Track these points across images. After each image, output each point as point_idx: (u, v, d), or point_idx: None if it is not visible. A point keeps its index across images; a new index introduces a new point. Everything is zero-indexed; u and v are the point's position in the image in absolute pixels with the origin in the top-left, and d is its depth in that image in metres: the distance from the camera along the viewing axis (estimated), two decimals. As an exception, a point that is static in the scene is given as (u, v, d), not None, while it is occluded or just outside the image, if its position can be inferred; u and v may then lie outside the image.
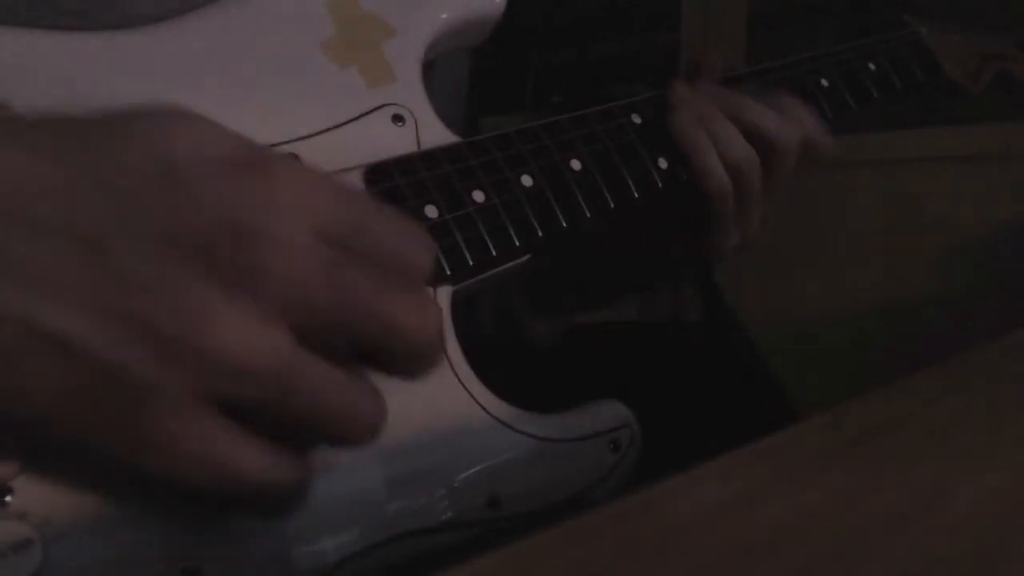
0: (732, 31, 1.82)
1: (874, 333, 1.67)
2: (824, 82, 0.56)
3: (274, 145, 0.38)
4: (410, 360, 0.27)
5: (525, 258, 0.43)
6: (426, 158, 0.41)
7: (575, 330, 0.69)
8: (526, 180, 0.43)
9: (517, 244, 0.42)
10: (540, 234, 0.43)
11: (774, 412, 0.70)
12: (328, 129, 0.40)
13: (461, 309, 0.41)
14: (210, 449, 0.24)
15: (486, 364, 0.41)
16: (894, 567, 0.16)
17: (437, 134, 0.43)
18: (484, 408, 0.39)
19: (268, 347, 0.24)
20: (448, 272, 0.39)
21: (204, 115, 0.27)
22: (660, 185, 0.47)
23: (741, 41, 1.81)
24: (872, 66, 0.59)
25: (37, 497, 0.29)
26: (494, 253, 0.41)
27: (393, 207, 0.38)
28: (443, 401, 0.38)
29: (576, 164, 0.45)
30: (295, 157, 0.37)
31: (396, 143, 0.41)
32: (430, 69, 0.47)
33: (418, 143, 0.42)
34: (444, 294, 0.40)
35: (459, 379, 0.39)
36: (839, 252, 1.73)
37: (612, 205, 0.45)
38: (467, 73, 0.57)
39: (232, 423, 0.24)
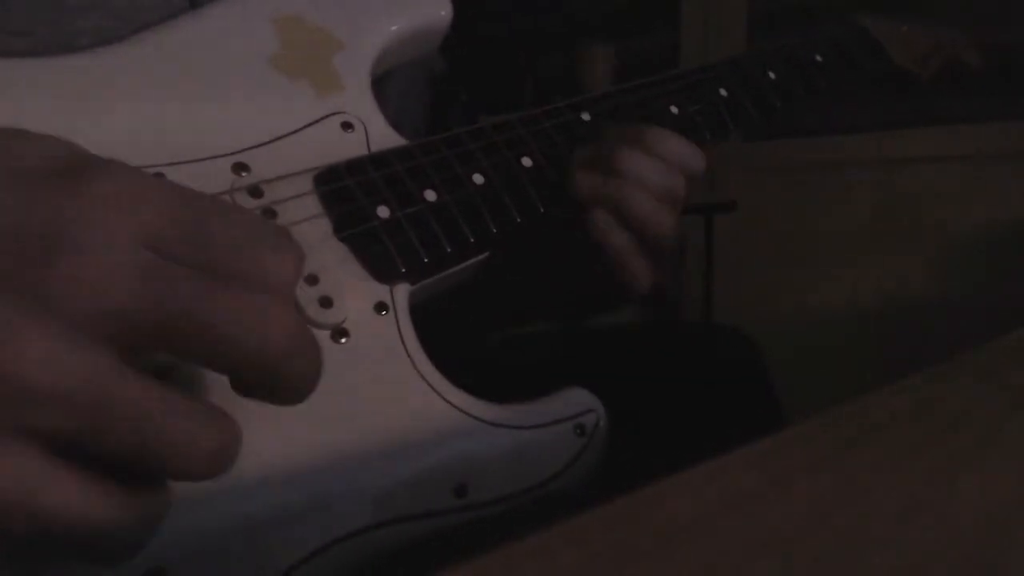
0: (732, 31, 1.82)
1: (873, 333, 1.67)
2: (772, 75, 0.58)
3: (225, 155, 0.39)
4: (264, 376, 0.24)
5: (482, 256, 0.44)
6: (376, 160, 0.42)
7: (574, 332, 0.69)
8: (477, 178, 0.44)
9: (472, 240, 0.42)
10: (494, 230, 0.43)
11: (769, 412, 0.70)
12: (279, 137, 0.41)
13: (425, 310, 0.41)
14: (15, 486, 0.21)
15: (476, 374, 0.41)
16: (893, 568, 0.16)
17: (388, 139, 0.44)
18: (444, 397, 0.39)
19: (76, 370, 0.21)
20: (403, 270, 0.40)
21: (28, 127, 0.25)
22: None
23: (741, 41, 1.81)
24: (819, 57, 0.61)
25: None
26: (448, 250, 0.42)
27: (344, 207, 0.39)
28: (402, 392, 0.38)
29: (527, 161, 0.46)
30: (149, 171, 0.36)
31: (347, 149, 0.42)
32: (387, 79, 0.49)
33: (368, 148, 0.43)
34: (401, 293, 0.40)
35: (417, 369, 0.39)
36: (838, 252, 1.73)
37: (566, 200, 0.46)
38: (426, 78, 0.58)
39: (45, 455, 0.22)
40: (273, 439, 0.34)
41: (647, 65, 1.87)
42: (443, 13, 0.49)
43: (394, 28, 0.47)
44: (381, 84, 0.47)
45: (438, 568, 0.15)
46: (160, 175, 0.36)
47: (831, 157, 1.68)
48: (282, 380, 0.25)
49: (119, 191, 0.24)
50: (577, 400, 0.43)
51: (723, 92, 0.54)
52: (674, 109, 0.52)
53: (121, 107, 0.38)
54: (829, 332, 1.75)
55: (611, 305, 0.49)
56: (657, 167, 0.45)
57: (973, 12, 1.54)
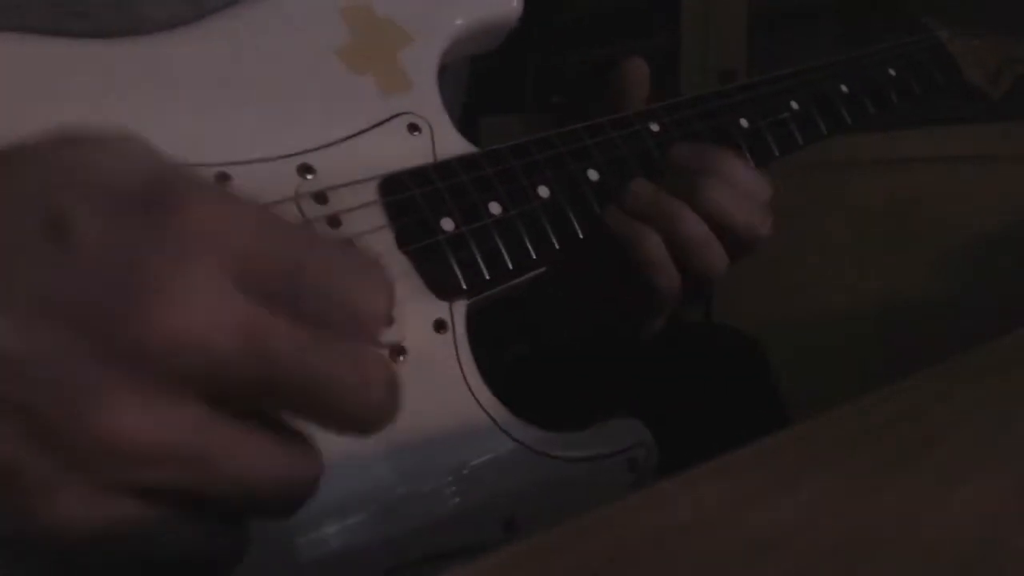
0: (732, 31, 1.82)
1: (873, 333, 1.67)
2: (844, 88, 0.55)
3: (290, 156, 0.37)
4: (354, 423, 0.24)
5: (540, 270, 0.42)
6: (442, 168, 0.40)
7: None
8: (543, 191, 0.42)
9: (534, 257, 0.41)
10: (557, 247, 0.42)
11: (774, 415, 0.70)
12: (344, 139, 0.39)
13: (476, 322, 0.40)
14: (121, 537, 0.21)
15: (505, 389, 0.40)
16: (894, 567, 0.16)
17: (453, 143, 0.42)
18: (500, 427, 0.38)
19: (171, 429, 0.21)
20: (464, 287, 0.39)
21: (120, 140, 0.23)
22: None
23: (741, 41, 1.81)
24: (892, 71, 0.59)
25: None
26: (511, 267, 0.40)
27: (407, 218, 0.38)
28: (457, 417, 0.37)
29: (593, 174, 0.44)
30: (224, 179, 0.35)
31: (412, 153, 0.41)
32: (440, 74, 0.46)
33: (434, 152, 0.41)
34: (460, 310, 0.39)
35: (473, 394, 0.38)
36: (839, 252, 1.73)
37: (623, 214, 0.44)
38: (467, 75, 0.56)
39: (140, 502, 0.21)
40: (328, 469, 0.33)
41: (648, 65, 1.87)
42: (514, 4, 0.46)
43: (461, 22, 0.45)
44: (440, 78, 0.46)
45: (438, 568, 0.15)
46: (226, 175, 0.36)
47: (831, 157, 1.68)
48: (372, 427, 0.24)
49: (209, 223, 0.22)
50: (630, 432, 0.42)
51: (794, 105, 0.52)
52: (743, 122, 0.50)
53: (187, 98, 0.36)
54: (829, 332, 1.75)
55: (640, 319, 0.48)
56: (738, 198, 0.44)
57: (974, 12, 1.53)
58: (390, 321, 0.36)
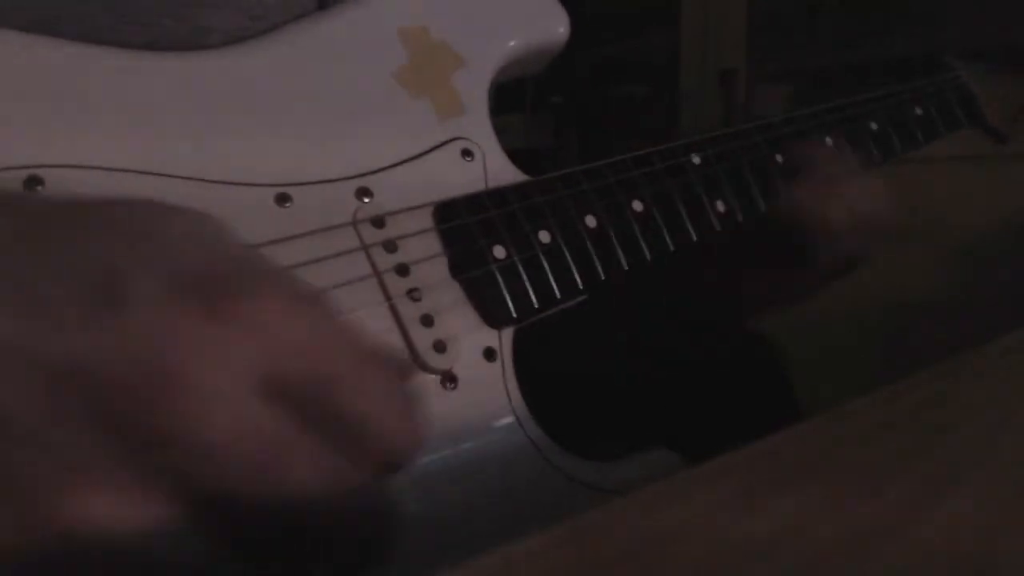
0: (732, 31, 1.82)
1: (874, 333, 1.67)
2: (874, 126, 0.58)
3: (349, 178, 0.38)
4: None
5: (582, 297, 0.43)
6: (494, 196, 0.41)
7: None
8: (590, 220, 0.43)
9: (580, 287, 0.42)
10: (602, 276, 0.43)
11: (784, 412, 0.69)
12: (401, 162, 0.40)
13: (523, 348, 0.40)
14: None
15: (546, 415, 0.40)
16: (894, 568, 0.16)
17: (503, 169, 0.43)
18: (546, 457, 0.38)
19: (139, 526, 0.19)
20: (514, 315, 0.39)
21: (190, 214, 0.23)
22: (718, 228, 0.48)
23: (741, 41, 1.81)
24: (919, 111, 0.61)
25: None
26: (559, 296, 0.41)
27: (461, 246, 0.39)
28: (503, 446, 0.38)
29: (638, 205, 0.45)
30: (283, 200, 0.36)
31: (464, 178, 0.41)
32: None
33: (485, 179, 0.42)
34: (508, 338, 0.39)
35: (520, 424, 0.38)
36: (839, 252, 1.73)
37: (671, 248, 0.45)
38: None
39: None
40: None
41: (648, 65, 1.87)
42: (561, 30, 0.47)
43: (512, 44, 0.45)
44: None
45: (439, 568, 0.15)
46: (286, 196, 0.36)
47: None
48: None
49: (259, 319, 0.21)
50: (663, 462, 0.42)
51: (828, 141, 0.55)
52: (779, 158, 0.52)
53: (248, 115, 0.37)
54: (828, 332, 1.75)
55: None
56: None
57: (973, 11, 1.54)
58: (441, 347, 0.36)
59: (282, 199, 0.36)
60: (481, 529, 0.36)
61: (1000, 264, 1.55)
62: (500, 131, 0.44)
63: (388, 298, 0.36)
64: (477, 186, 0.41)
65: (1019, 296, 1.39)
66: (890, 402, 0.28)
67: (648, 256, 0.45)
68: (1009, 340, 0.38)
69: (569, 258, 0.42)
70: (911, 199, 1.66)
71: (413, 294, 0.37)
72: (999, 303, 1.37)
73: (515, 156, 0.44)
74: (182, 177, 0.34)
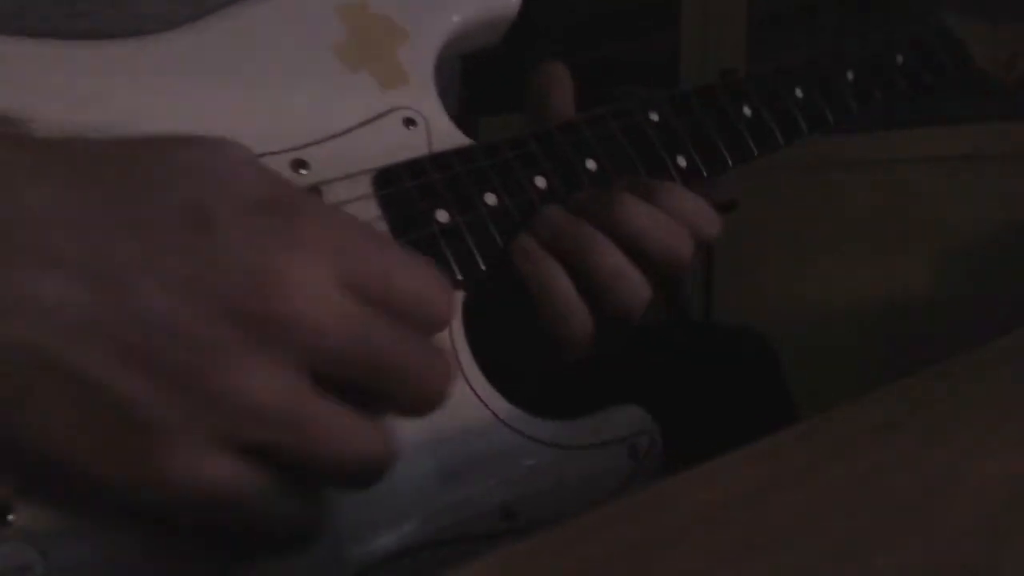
0: (732, 31, 1.82)
1: (874, 333, 1.67)
2: (851, 75, 0.54)
3: (284, 151, 0.38)
4: (418, 408, 0.28)
5: None
6: (436, 160, 0.40)
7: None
8: (540, 182, 0.42)
9: None
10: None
11: (783, 411, 0.69)
12: (339, 133, 0.40)
13: (474, 314, 0.40)
14: (217, 489, 0.24)
15: (505, 379, 0.40)
16: (894, 567, 0.16)
17: (449, 137, 0.42)
18: (496, 415, 0.38)
19: (286, 393, 0.24)
20: (459, 278, 0.39)
21: (239, 148, 0.27)
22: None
23: (741, 41, 1.81)
24: (900, 59, 0.58)
25: (41, 517, 0.28)
26: (508, 257, 0.40)
27: (402, 210, 0.38)
28: (453, 407, 0.37)
29: (591, 164, 0.44)
30: (317, 192, 0.37)
31: (407, 147, 0.41)
32: (438, 70, 0.46)
33: (430, 146, 0.41)
34: (456, 299, 0.39)
35: (471, 386, 0.38)
36: (839, 252, 1.73)
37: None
38: (459, 69, 0.56)
39: (243, 463, 0.24)
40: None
41: (647, 65, 1.87)
42: (511, 1, 0.46)
43: (457, 19, 0.45)
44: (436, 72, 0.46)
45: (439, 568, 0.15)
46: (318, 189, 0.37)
47: (831, 157, 1.68)
48: (433, 410, 0.28)
49: (326, 232, 0.26)
50: (630, 420, 0.41)
51: (799, 93, 0.52)
52: (746, 111, 0.49)
53: (184, 97, 0.37)
54: (828, 332, 1.75)
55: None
56: (661, 221, 0.40)
57: (973, 11, 1.53)
58: (448, 322, 0.36)
59: None
60: (427, 487, 0.36)
61: (1000, 264, 1.55)
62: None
63: None
64: (421, 153, 0.41)
65: (1019, 296, 1.39)
66: (890, 402, 0.28)
67: None
68: (1009, 340, 0.38)
69: (518, 220, 0.41)
70: (910, 199, 1.66)
71: None
72: (999, 303, 1.37)
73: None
74: None
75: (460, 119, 0.54)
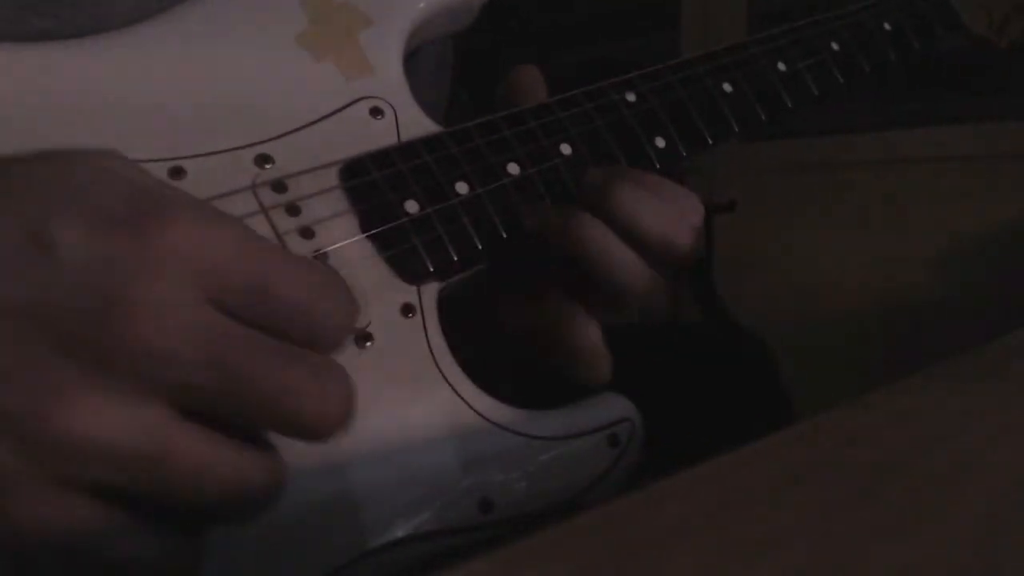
0: (732, 31, 1.82)
1: (874, 333, 1.67)
2: (835, 46, 0.52)
3: (248, 146, 0.37)
4: (304, 434, 0.25)
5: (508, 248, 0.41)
6: (404, 150, 0.40)
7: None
8: (512, 168, 0.41)
9: (504, 237, 0.40)
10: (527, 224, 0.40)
11: (780, 412, 0.69)
12: (304, 126, 0.39)
13: (452, 306, 0.39)
14: (76, 539, 0.22)
15: (485, 372, 0.39)
16: (894, 567, 0.16)
17: (419, 126, 0.41)
18: (471, 406, 0.37)
19: (129, 429, 0.22)
20: (431, 269, 0.38)
21: (104, 158, 0.25)
22: (657, 166, 0.44)
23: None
24: (887, 26, 0.55)
25: None
26: (479, 247, 0.39)
27: (370, 202, 0.38)
28: (428, 399, 0.37)
29: (566, 148, 0.42)
30: (178, 173, 0.36)
31: (375, 137, 0.40)
32: (413, 56, 0.45)
33: (398, 136, 0.41)
34: (429, 294, 0.38)
35: (444, 376, 0.37)
36: (838, 252, 1.73)
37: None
38: (451, 55, 0.55)
39: (98, 505, 0.23)
40: (295, 451, 0.33)
41: (647, 65, 1.87)
42: None
43: (423, 4, 0.44)
44: (412, 60, 0.45)
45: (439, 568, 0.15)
46: (180, 169, 0.35)
47: (831, 157, 1.68)
48: (325, 436, 0.26)
49: (184, 241, 0.24)
50: (612, 407, 0.40)
51: (782, 67, 0.49)
52: (727, 87, 0.47)
53: (142, 92, 0.36)
54: (828, 332, 1.75)
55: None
56: (640, 195, 0.39)
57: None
58: (354, 332, 0.35)
59: (175, 172, 0.35)
60: (403, 480, 0.35)
61: (1000, 264, 1.55)
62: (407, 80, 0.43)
63: None
64: (389, 143, 0.40)
65: (1019, 296, 1.39)
66: (889, 402, 0.28)
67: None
68: (1009, 340, 0.38)
69: (490, 208, 0.40)
70: (911, 199, 1.66)
71: (318, 254, 0.36)
72: (999, 303, 1.37)
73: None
74: None
75: (448, 106, 0.53)
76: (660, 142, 0.45)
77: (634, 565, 0.16)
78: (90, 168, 0.24)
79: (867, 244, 1.71)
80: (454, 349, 0.38)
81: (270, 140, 0.38)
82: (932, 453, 0.23)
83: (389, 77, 0.42)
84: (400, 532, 0.34)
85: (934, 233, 1.65)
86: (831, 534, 0.17)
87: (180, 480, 0.23)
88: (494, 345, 0.44)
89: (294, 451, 0.32)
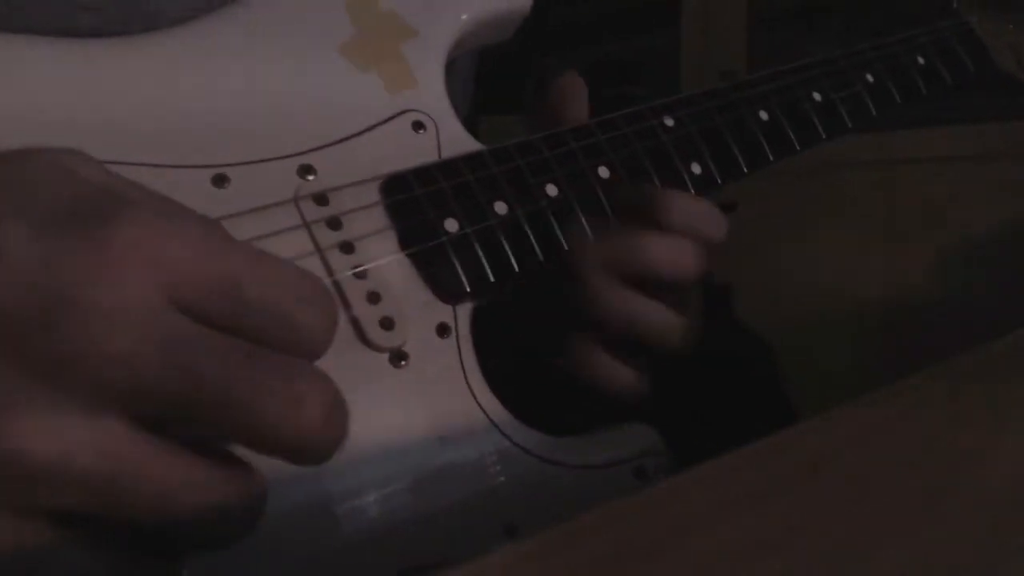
0: (732, 31, 1.82)
1: (874, 333, 1.67)
2: (870, 78, 0.53)
3: (290, 156, 0.37)
4: (286, 447, 0.22)
5: (545, 271, 0.41)
6: (446, 167, 0.39)
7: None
8: (551, 189, 0.41)
9: (541, 259, 0.40)
10: (566, 247, 0.41)
11: (779, 413, 0.69)
12: (347, 137, 0.39)
13: (483, 324, 0.39)
14: (30, 566, 0.20)
15: (513, 389, 0.39)
16: (894, 567, 0.16)
17: (459, 141, 0.41)
18: (501, 431, 0.37)
19: (81, 448, 0.20)
20: (468, 289, 0.38)
21: (62, 155, 0.23)
22: (692, 192, 0.45)
23: (741, 41, 1.81)
24: (921, 59, 0.56)
25: None
26: (516, 269, 0.39)
27: (410, 220, 0.37)
28: (459, 422, 0.37)
29: (604, 172, 0.42)
30: (222, 181, 0.35)
31: (416, 151, 0.40)
32: (452, 67, 0.45)
33: (439, 151, 0.40)
34: (464, 314, 0.38)
35: (476, 399, 0.37)
36: (838, 252, 1.73)
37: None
38: (474, 68, 0.55)
39: (54, 530, 0.21)
40: (321, 472, 0.33)
41: (647, 65, 1.87)
42: None
43: (467, 16, 0.43)
44: (448, 71, 0.45)
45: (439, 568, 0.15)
46: (224, 177, 0.35)
47: (831, 157, 1.68)
48: (307, 453, 0.23)
49: (143, 240, 0.21)
50: (639, 439, 0.40)
51: (817, 96, 0.50)
52: (763, 115, 0.48)
53: (186, 99, 0.36)
54: (829, 332, 1.75)
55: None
56: (672, 246, 0.40)
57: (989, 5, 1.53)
58: (389, 324, 0.35)
59: (219, 180, 0.35)
60: (430, 504, 0.35)
61: (1000, 264, 1.55)
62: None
63: (331, 275, 0.35)
64: (430, 158, 0.40)
65: (1019, 296, 1.39)
66: (890, 402, 0.28)
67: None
68: (1009, 340, 0.38)
69: (528, 229, 0.40)
70: (911, 199, 1.66)
71: (358, 271, 0.36)
72: (999, 303, 1.37)
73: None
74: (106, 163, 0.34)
75: (467, 119, 0.53)
76: (696, 168, 0.45)
77: (634, 565, 0.16)
78: (45, 166, 0.23)
79: (867, 244, 1.71)
80: (484, 369, 0.38)
81: (312, 150, 0.37)
82: (932, 453, 0.23)
83: (431, 91, 0.42)
84: (422, 559, 0.34)
85: (934, 233, 1.65)
86: (830, 535, 0.17)
87: (143, 501, 0.21)
88: (522, 359, 0.44)
89: (318, 472, 0.32)
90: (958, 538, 0.17)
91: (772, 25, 1.82)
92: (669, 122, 0.45)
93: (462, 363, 0.38)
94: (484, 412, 0.37)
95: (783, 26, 1.81)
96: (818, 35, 1.79)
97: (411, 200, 0.38)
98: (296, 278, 0.24)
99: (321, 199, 0.36)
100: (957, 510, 0.18)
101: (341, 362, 0.34)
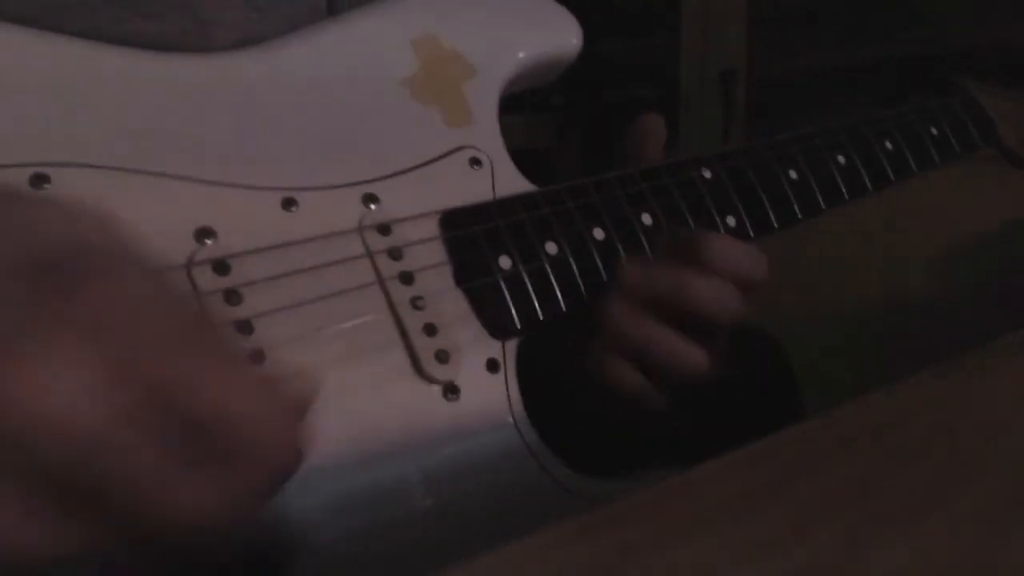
0: (732, 31, 1.82)
1: (874, 333, 1.67)
2: (888, 145, 0.56)
3: (356, 184, 0.38)
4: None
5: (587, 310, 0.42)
6: (501, 206, 0.41)
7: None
8: (598, 233, 0.43)
9: (587, 300, 0.41)
10: (607, 281, 0.42)
11: (790, 415, 0.69)
12: (408, 169, 0.40)
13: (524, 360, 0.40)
14: None
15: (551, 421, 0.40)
16: (894, 567, 0.16)
17: (511, 179, 0.43)
18: (546, 469, 0.38)
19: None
20: (518, 326, 0.39)
21: (39, 203, 0.23)
22: None
23: (741, 41, 1.81)
24: (934, 131, 0.60)
25: None
26: (563, 308, 0.40)
27: (467, 255, 0.38)
28: (503, 459, 0.38)
29: (647, 219, 0.44)
30: (290, 204, 0.36)
31: (472, 187, 0.41)
32: None
33: (493, 188, 0.42)
34: (512, 350, 0.39)
35: (521, 435, 0.38)
36: (839, 252, 1.73)
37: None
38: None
39: None
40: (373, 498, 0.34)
41: (647, 65, 1.87)
42: (574, 41, 0.47)
43: (523, 55, 0.45)
44: None
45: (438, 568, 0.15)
46: (292, 201, 0.36)
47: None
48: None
49: (105, 307, 0.20)
50: None
51: (841, 160, 0.53)
52: (792, 174, 0.50)
53: (254, 121, 0.37)
54: (829, 332, 1.75)
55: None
56: (712, 286, 0.41)
57: (973, 12, 1.54)
58: (444, 357, 0.36)
59: (288, 203, 0.36)
60: (470, 539, 0.35)
61: (1000, 264, 1.54)
62: (501, 131, 0.44)
63: (391, 305, 0.36)
64: (485, 195, 0.41)
65: (1019, 296, 1.39)
66: (890, 402, 0.28)
67: None
68: (1009, 340, 0.38)
69: (575, 270, 0.41)
70: (911, 200, 1.66)
71: (417, 302, 0.37)
72: (999, 303, 1.37)
73: (516, 156, 0.44)
74: (181, 178, 0.34)
75: None
76: (731, 221, 0.47)
77: (636, 564, 0.16)
78: (30, 212, 0.22)
79: (867, 244, 1.71)
80: (527, 404, 0.39)
81: (376, 180, 0.39)
82: (931, 452, 0.23)
83: (487, 128, 0.43)
84: None
85: (935, 233, 1.65)
86: (831, 534, 0.17)
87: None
88: (561, 395, 0.45)
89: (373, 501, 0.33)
90: (958, 537, 0.17)
91: (772, 25, 1.82)
92: (707, 174, 0.48)
93: (509, 399, 0.38)
94: (528, 449, 0.38)
95: (783, 26, 1.81)
96: (818, 36, 1.79)
97: (468, 236, 0.39)
98: (253, 395, 0.22)
99: (384, 229, 0.37)
100: (958, 509, 0.18)
101: (396, 392, 0.35)
